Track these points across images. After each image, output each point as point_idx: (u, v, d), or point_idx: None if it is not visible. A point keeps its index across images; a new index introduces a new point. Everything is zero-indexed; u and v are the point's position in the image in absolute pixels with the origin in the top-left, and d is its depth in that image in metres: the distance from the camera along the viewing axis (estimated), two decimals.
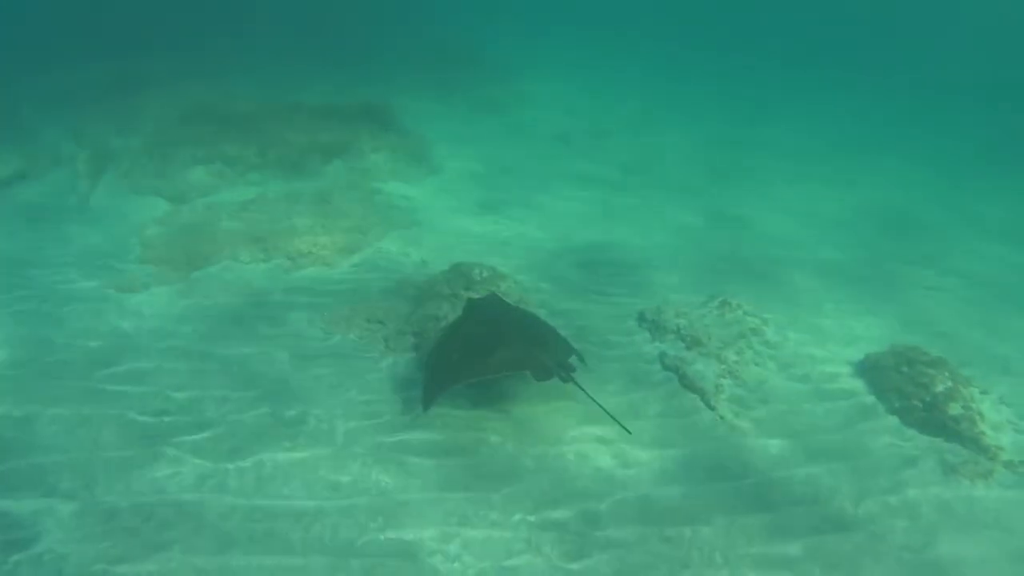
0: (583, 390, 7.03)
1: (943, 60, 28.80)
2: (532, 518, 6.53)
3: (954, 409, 8.00)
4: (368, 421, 7.63)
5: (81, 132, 14.47)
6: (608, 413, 6.94)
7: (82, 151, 13.65)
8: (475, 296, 8.49)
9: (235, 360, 8.44)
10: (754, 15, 33.25)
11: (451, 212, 12.77)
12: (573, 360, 7.39)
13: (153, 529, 6.24)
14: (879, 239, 13.60)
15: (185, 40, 20.06)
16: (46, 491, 6.54)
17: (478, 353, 6.83)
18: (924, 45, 30.82)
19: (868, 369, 8.84)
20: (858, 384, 8.73)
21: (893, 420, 8.15)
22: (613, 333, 9.43)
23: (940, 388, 8.19)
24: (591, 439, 7.45)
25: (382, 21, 23.52)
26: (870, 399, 8.45)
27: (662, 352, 8.92)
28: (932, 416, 8.03)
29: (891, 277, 11.84)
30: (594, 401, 7.05)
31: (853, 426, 8.05)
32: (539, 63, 23.42)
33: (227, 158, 13.30)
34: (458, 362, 6.84)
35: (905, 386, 8.36)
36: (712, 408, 7.99)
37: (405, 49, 22.24)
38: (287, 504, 6.57)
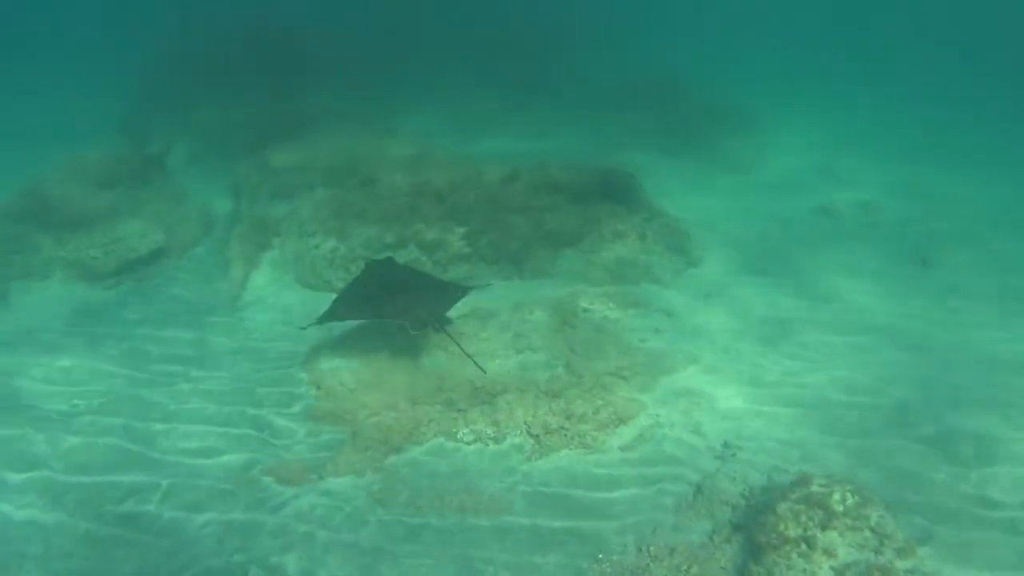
0: (451, 338, 7.34)
1: None
2: None
3: None
4: None
5: (237, 192, 11.28)
6: (468, 355, 7.16)
7: (236, 223, 10.39)
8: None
9: None
10: None
11: (732, 339, 8.85)
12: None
13: None
14: None
15: (359, 72, 16.87)
16: None
17: (368, 303, 7.73)
18: None
19: None
20: None
21: None
22: None
23: None
24: None
25: (580, 54, 19.82)
26: None
27: None
28: None
29: None
30: (457, 345, 7.26)
31: None
32: (781, 106, 19.16)
33: (424, 243, 9.82)
34: (353, 306, 7.73)
35: None
36: None
37: (613, 87, 18.48)
38: None
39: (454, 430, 6.82)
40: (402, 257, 9.76)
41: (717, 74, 19.94)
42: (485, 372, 7.21)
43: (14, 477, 6.40)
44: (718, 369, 8.12)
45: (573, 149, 15.86)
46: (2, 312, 9.25)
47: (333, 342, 8.26)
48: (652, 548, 5.74)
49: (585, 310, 8.85)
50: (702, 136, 16.46)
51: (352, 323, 8.25)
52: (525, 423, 6.90)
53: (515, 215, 10.07)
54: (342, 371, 7.75)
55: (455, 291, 8.14)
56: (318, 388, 7.58)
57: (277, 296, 9.43)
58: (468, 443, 6.78)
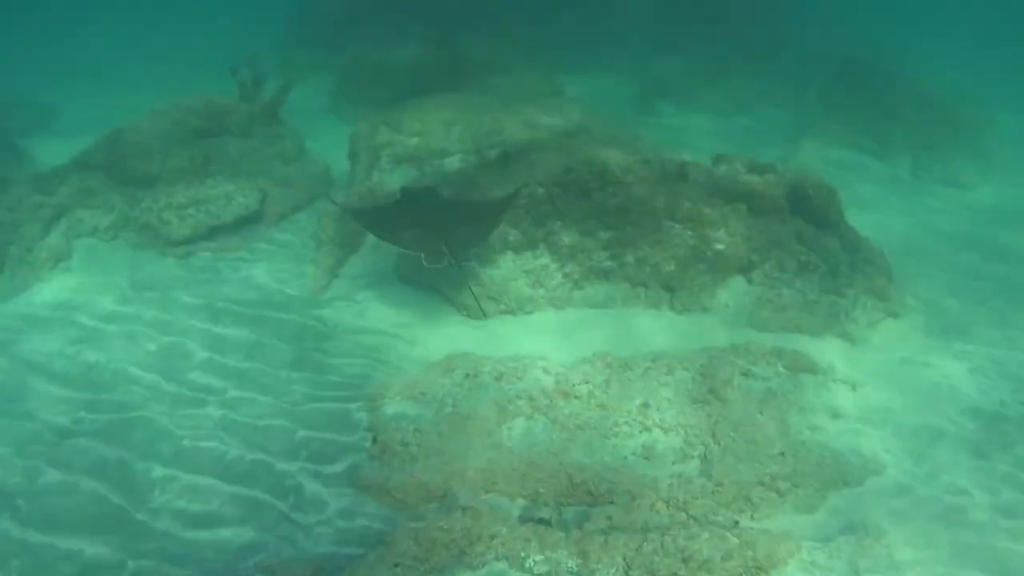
0: (464, 277, 7.04)
1: None
2: None
3: None
4: None
5: (355, 153, 9.62)
6: (474, 296, 7.06)
7: (335, 194, 8.74)
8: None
9: None
10: None
11: (930, 439, 6.29)
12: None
13: None
14: None
15: (526, 19, 14.86)
16: None
17: (390, 228, 7.10)
18: None
19: None
20: None
21: None
22: None
23: None
24: None
25: (780, 19, 16.84)
26: None
27: None
28: None
29: None
30: (469, 289, 7.06)
31: None
32: (1010, 109, 15.59)
33: (557, 246, 7.81)
34: (378, 223, 7.26)
35: None
36: None
37: (811, 62, 15.61)
38: None
39: (523, 555, 4.81)
40: (529, 262, 7.80)
41: (931, 61, 16.55)
42: (485, 316, 7.26)
43: None
44: (906, 489, 5.76)
45: (762, 134, 13.30)
46: (60, 276, 8.02)
47: (411, 373, 6.43)
48: None
49: (744, 373, 6.58)
50: (911, 135, 13.49)
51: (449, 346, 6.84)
52: (624, 559, 4.81)
53: (677, 225, 7.83)
54: (408, 423, 5.95)
55: (496, 212, 7.37)
56: (374, 441, 5.82)
57: (370, 293, 7.70)
58: None
